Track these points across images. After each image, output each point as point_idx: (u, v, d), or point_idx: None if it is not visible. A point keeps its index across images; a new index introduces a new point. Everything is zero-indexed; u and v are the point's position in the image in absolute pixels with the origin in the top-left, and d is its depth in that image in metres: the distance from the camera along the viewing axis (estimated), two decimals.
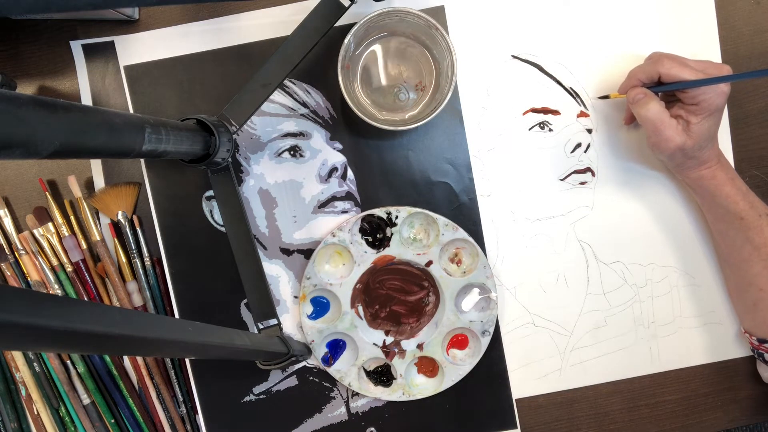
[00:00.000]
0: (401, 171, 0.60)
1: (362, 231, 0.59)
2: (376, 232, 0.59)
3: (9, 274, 0.60)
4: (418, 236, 0.60)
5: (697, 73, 0.50)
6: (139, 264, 0.60)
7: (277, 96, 0.59)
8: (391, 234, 0.58)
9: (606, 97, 0.58)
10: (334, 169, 0.60)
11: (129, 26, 0.59)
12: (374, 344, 0.60)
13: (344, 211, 0.60)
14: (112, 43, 0.59)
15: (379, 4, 0.55)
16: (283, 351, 0.53)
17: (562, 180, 0.60)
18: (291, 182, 0.59)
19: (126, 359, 0.61)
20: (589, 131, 0.60)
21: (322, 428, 0.61)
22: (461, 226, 0.58)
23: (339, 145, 0.59)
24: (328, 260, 0.60)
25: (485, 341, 0.59)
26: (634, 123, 0.59)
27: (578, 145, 0.60)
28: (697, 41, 0.59)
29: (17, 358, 0.60)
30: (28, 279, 0.60)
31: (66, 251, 0.59)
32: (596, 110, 0.60)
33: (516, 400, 0.62)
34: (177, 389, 0.61)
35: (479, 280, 0.59)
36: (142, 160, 0.59)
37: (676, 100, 0.53)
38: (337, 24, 0.53)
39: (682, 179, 0.57)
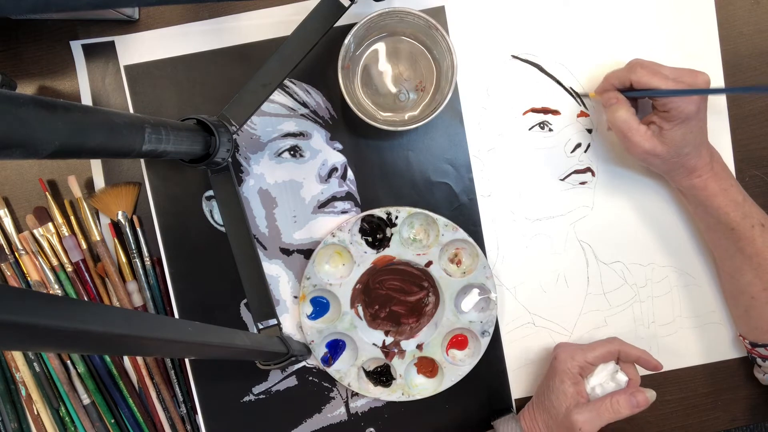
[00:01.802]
0: (401, 171, 0.60)
1: (362, 231, 0.59)
2: (375, 233, 0.59)
3: (9, 274, 0.60)
4: (417, 236, 0.60)
5: (667, 81, 0.50)
6: (139, 264, 0.60)
7: (277, 96, 0.59)
8: (391, 234, 0.58)
9: (585, 95, 0.59)
10: (334, 169, 0.60)
11: (129, 26, 0.59)
12: (374, 344, 0.60)
13: (344, 211, 0.60)
14: (112, 43, 0.59)
15: (379, 4, 0.55)
16: (283, 351, 0.53)
17: (562, 180, 0.60)
18: (291, 182, 0.59)
19: (126, 359, 0.61)
20: (589, 131, 0.60)
21: (322, 428, 0.61)
22: (461, 226, 0.58)
23: (339, 145, 0.59)
24: (328, 260, 0.60)
25: (485, 341, 0.59)
26: None
27: (578, 145, 0.60)
28: (697, 41, 0.59)
29: (17, 358, 0.60)
30: (28, 279, 0.60)
31: (66, 251, 0.59)
32: (596, 110, 0.60)
33: (516, 400, 0.62)
34: (177, 389, 0.61)
35: (479, 281, 0.59)
36: (142, 160, 0.59)
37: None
38: (337, 24, 0.53)
39: (676, 186, 0.57)
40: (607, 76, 0.54)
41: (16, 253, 0.60)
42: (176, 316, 0.60)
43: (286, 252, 0.60)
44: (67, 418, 0.60)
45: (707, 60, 0.59)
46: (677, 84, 0.50)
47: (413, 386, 0.60)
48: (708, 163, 0.53)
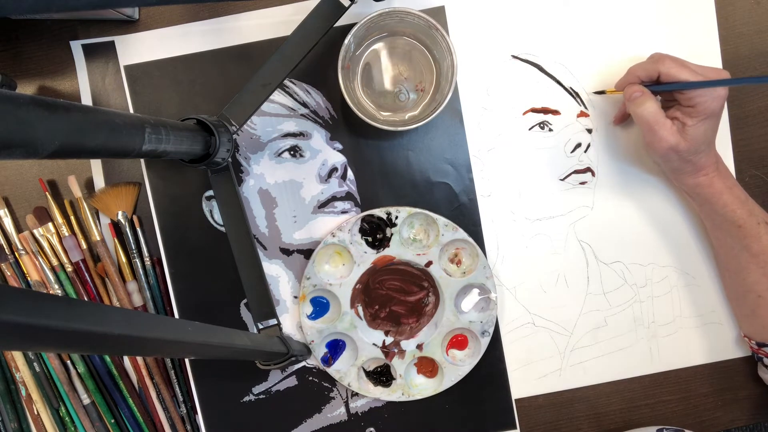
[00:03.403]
0: (401, 171, 0.60)
1: (362, 231, 0.59)
2: (375, 233, 0.59)
3: (9, 274, 0.60)
4: (417, 236, 0.60)
5: (696, 75, 0.50)
6: (139, 264, 0.60)
7: (277, 96, 0.59)
8: (391, 234, 0.58)
9: (602, 92, 0.59)
10: (334, 169, 0.60)
11: (129, 26, 0.59)
12: (374, 344, 0.60)
13: (344, 212, 0.60)
14: (112, 43, 0.59)
15: (379, 4, 0.55)
16: (283, 351, 0.53)
17: (562, 180, 0.60)
18: (291, 182, 0.59)
19: (126, 359, 0.61)
20: (589, 131, 0.60)
21: (322, 428, 0.61)
22: (461, 226, 0.58)
23: (339, 145, 0.59)
24: (328, 260, 0.60)
25: (485, 342, 0.59)
26: (626, 122, 0.59)
27: (578, 145, 0.60)
28: (697, 41, 0.59)
29: (17, 358, 0.60)
30: (28, 279, 0.60)
31: (66, 251, 0.59)
32: (596, 110, 0.60)
33: (516, 400, 0.62)
34: (177, 389, 0.61)
35: (479, 281, 0.59)
36: (142, 160, 0.59)
37: (676, 102, 0.53)
38: (337, 24, 0.53)
39: (680, 186, 0.56)
40: (631, 69, 0.54)
41: (16, 253, 0.60)
42: (176, 316, 0.60)
43: (286, 252, 0.60)
44: (67, 418, 0.60)
45: (707, 60, 0.59)
46: (704, 79, 0.50)
47: (413, 386, 0.60)
48: (714, 162, 0.53)
